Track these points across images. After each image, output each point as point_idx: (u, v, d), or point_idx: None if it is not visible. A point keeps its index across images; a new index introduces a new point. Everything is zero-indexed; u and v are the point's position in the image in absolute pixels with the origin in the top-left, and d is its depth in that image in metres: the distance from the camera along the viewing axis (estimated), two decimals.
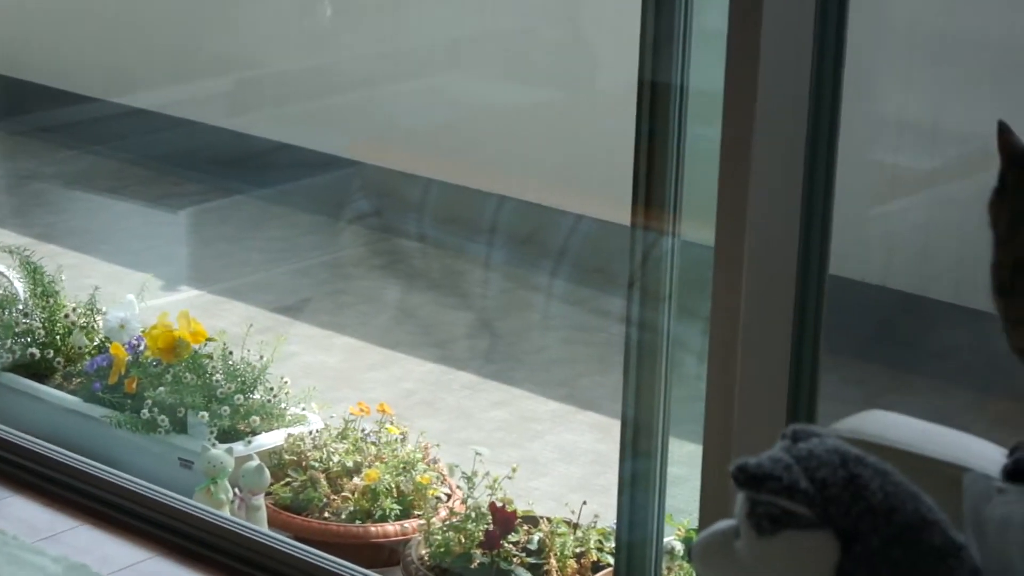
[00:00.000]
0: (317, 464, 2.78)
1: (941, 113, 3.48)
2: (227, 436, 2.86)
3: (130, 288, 3.22)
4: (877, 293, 3.52)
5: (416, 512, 2.70)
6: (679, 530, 2.52)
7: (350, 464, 2.77)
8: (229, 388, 2.87)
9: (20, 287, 3.18)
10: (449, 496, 2.76)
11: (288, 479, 2.79)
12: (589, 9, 4.01)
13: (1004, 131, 1.69)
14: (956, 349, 3.34)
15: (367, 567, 2.62)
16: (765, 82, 2.08)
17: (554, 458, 3.21)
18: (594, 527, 2.61)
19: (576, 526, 2.61)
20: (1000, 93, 3.40)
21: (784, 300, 2.20)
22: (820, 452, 1.25)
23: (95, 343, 3.13)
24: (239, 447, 2.82)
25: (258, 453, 2.83)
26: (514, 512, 2.57)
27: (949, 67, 3.46)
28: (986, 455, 1.49)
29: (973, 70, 3.44)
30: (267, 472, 2.77)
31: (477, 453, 2.68)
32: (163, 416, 2.88)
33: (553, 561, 2.55)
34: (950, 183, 3.48)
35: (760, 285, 2.15)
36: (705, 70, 2.55)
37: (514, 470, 2.68)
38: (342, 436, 2.84)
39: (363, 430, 2.85)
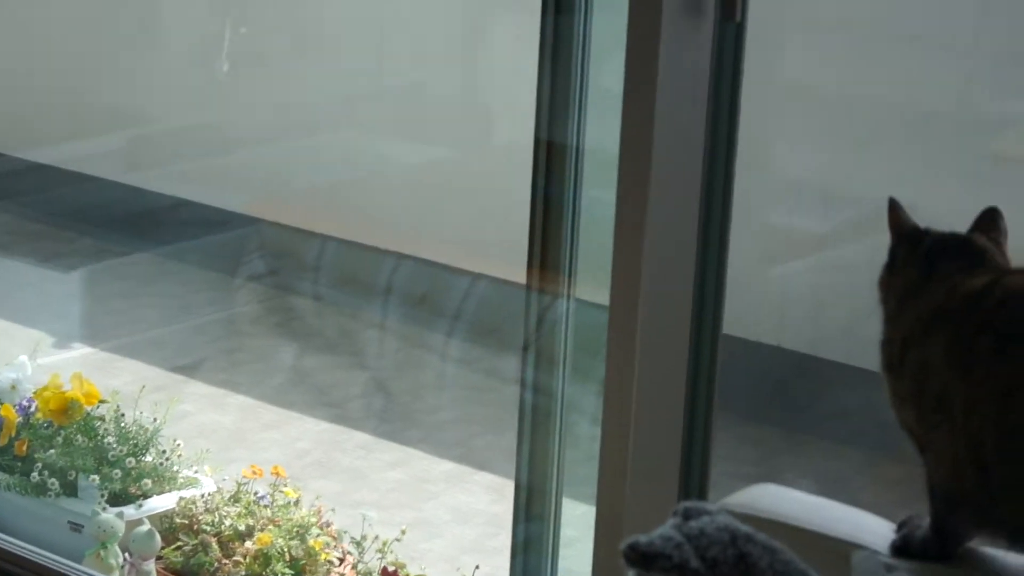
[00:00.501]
0: (209, 528, 2.74)
1: (833, 176, 3.51)
2: (118, 499, 2.82)
3: (22, 344, 3.17)
4: (771, 353, 3.54)
5: None
6: None
7: (242, 528, 2.73)
8: (121, 451, 2.83)
9: None
10: (341, 560, 2.73)
11: (179, 543, 2.75)
12: (486, 67, 4.02)
13: (894, 208, 1.70)
14: (849, 410, 3.36)
15: None
16: (660, 144, 2.08)
17: (448, 519, 3.19)
18: None
19: None
20: (891, 156, 3.44)
21: (678, 361, 2.20)
22: (711, 530, 1.25)
23: None
24: (130, 511, 2.78)
25: (149, 517, 2.79)
26: None
27: (842, 130, 3.50)
28: (875, 531, 1.49)
29: (865, 133, 3.48)
30: (158, 536, 2.73)
31: (364, 517, 2.67)
32: (53, 479, 2.84)
33: None
34: (842, 245, 3.51)
35: (654, 347, 2.15)
36: (601, 131, 2.55)
37: (403, 532, 2.66)
38: (234, 499, 2.81)
39: (256, 493, 2.82)
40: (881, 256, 2.30)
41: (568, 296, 2.55)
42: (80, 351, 3.82)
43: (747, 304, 3.41)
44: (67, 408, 2.88)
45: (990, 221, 1.79)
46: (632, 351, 2.12)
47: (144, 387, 2.95)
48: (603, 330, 2.17)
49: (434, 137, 4.09)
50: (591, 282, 2.58)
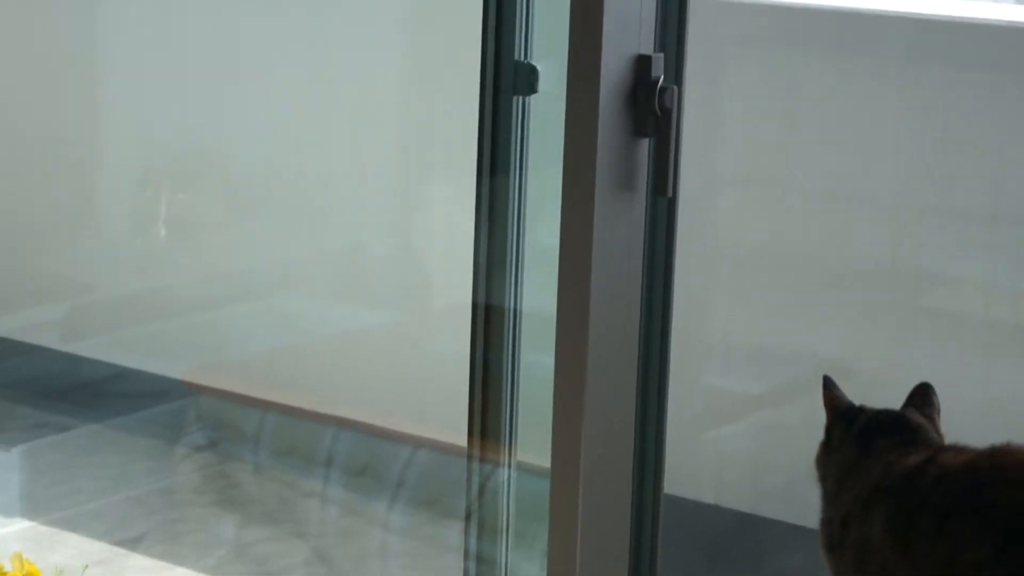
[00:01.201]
0: None
1: (768, 336, 3.57)
2: None
3: None
4: (710, 512, 3.56)
5: None
6: None
7: None
8: None
9: None
10: None
11: None
12: (424, 230, 4.08)
13: (828, 387, 1.75)
14: (790, 569, 3.38)
15: None
16: (596, 314, 2.12)
17: None
18: None
19: None
20: (825, 314, 3.50)
21: (620, 526, 2.23)
22: None
23: None
24: None
25: None
26: None
27: (775, 289, 3.56)
28: None
29: (799, 292, 3.54)
30: None
31: None
32: None
33: None
34: (778, 405, 3.56)
35: (597, 512, 2.18)
36: (539, 292, 2.60)
37: None
38: None
39: None
40: (816, 416, 2.34)
41: (509, 463, 2.58)
42: (18, 525, 3.80)
43: (685, 464, 3.44)
44: None
45: (923, 397, 1.84)
46: (575, 517, 2.15)
47: (87, 565, 2.95)
48: (546, 497, 2.19)
49: (373, 301, 4.13)
50: (532, 447, 2.60)
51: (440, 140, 3.93)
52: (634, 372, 2.21)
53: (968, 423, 2.29)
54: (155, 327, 4.39)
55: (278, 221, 4.23)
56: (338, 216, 4.15)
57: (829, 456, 1.74)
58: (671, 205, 2.20)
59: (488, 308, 2.68)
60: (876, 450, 1.71)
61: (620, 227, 2.08)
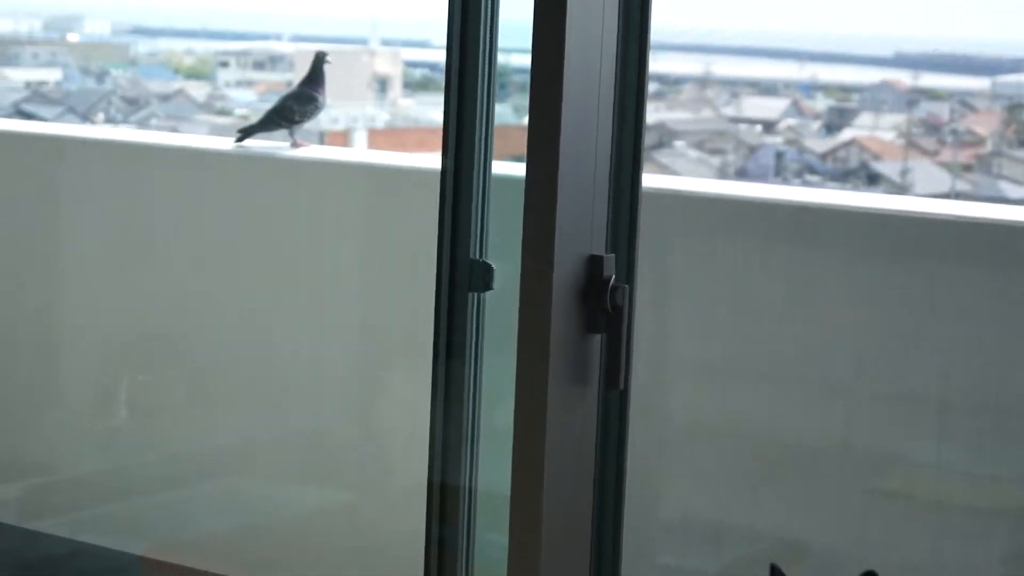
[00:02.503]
0: None
1: (722, 515, 3.63)
2: None
3: None
4: None
5: None
6: None
7: None
8: None
9: None
10: None
11: None
12: (382, 411, 4.14)
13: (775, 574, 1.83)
14: None
15: None
16: (551, 491, 2.21)
17: None
18: None
19: None
20: (778, 494, 3.57)
21: None
22: None
23: None
24: None
25: None
26: None
27: (729, 470, 3.63)
28: None
29: (756, 472, 3.61)
30: None
31: None
32: None
33: None
34: None
35: None
36: (495, 472, 2.68)
37: None
38: None
39: None
40: None
41: None
42: None
43: None
44: None
45: None
46: None
47: None
48: None
49: (333, 481, 4.18)
50: None
51: (400, 324, 4.01)
52: (587, 552, 2.28)
53: None
54: (114, 506, 4.42)
55: (238, 403, 4.28)
56: (298, 398, 4.21)
57: None
58: (623, 397, 2.30)
59: (444, 487, 2.76)
60: None
61: (573, 418, 2.19)
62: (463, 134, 2.60)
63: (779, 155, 13.14)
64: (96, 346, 4.50)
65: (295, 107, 4.20)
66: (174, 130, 10.83)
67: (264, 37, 11.40)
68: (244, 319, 4.27)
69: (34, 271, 4.62)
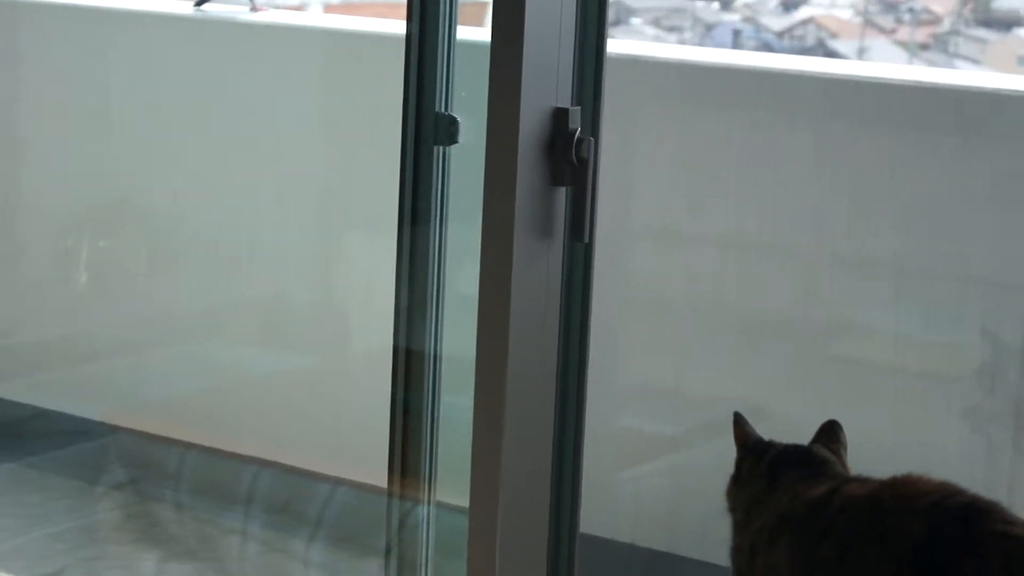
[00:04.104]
0: None
1: (683, 380, 3.65)
2: None
3: None
4: (626, 551, 3.63)
5: None
6: None
7: None
8: None
9: None
10: None
11: None
12: (345, 275, 4.13)
13: (739, 423, 1.84)
14: None
15: None
16: (515, 356, 2.20)
17: None
18: None
19: None
20: (739, 360, 3.58)
21: (537, 564, 2.29)
22: None
23: None
24: None
25: None
26: None
27: (689, 336, 3.64)
28: None
29: (713, 338, 3.62)
30: None
31: None
32: None
33: None
34: (693, 447, 3.63)
35: (514, 549, 2.25)
36: (458, 336, 2.67)
37: None
38: None
39: None
40: (729, 457, 2.43)
41: (428, 501, 2.64)
42: None
43: (602, 504, 3.51)
44: None
45: (830, 433, 1.93)
46: (492, 555, 2.22)
47: None
48: (463, 534, 2.26)
49: (295, 345, 4.18)
50: (451, 486, 2.68)
51: (362, 188, 4.00)
52: (551, 413, 2.28)
53: (875, 467, 2.39)
54: (75, 370, 4.41)
55: (200, 268, 4.27)
56: (260, 263, 4.20)
57: (739, 488, 1.84)
58: (588, 251, 2.29)
59: (409, 352, 2.75)
60: (783, 482, 1.80)
61: (538, 272, 2.17)
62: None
63: (736, 33, 13.07)
64: (57, 211, 4.48)
65: None
66: None
67: None
68: (206, 184, 4.25)
69: None
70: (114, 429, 4.30)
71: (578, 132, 2.14)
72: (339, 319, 4.11)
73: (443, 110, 2.55)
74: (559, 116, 2.14)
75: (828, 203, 3.50)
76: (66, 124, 4.44)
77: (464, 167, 2.56)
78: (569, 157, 2.14)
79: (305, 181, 4.11)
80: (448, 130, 2.55)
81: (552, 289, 2.20)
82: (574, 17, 2.17)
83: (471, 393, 2.25)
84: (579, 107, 2.15)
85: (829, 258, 3.53)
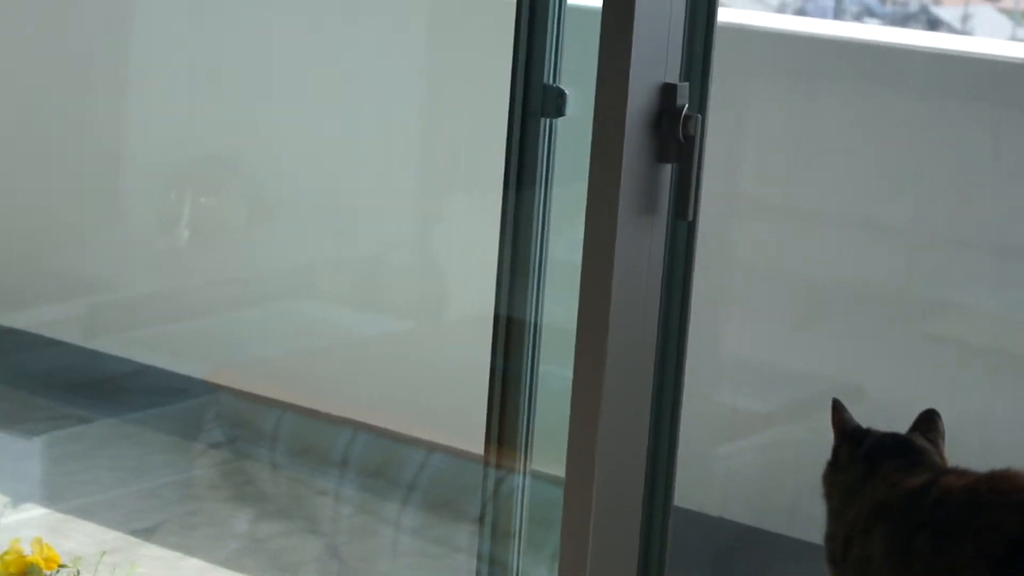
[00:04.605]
0: None
1: (777, 356, 3.65)
2: None
3: None
4: (716, 524, 3.64)
5: None
6: None
7: None
8: None
9: None
10: None
11: None
12: (444, 238, 4.15)
13: (837, 409, 1.84)
14: None
15: None
16: (615, 329, 2.21)
17: None
18: None
19: None
20: (834, 336, 3.58)
21: (630, 534, 2.31)
22: None
23: None
24: None
25: None
26: None
27: (785, 311, 3.64)
28: None
29: (809, 313, 3.62)
30: None
31: None
32: None
33: None
34: (787, 424, 3.64)
35: (608, 519, 2.27)
36: (559, 305, 2.69)
37: None
38: None
39: None
40: (822, 435, 2.44)
41: (524, 470, 2.66)
42: (36, 512, 3.88)
43: (694, 477, 3.52)
44: (27, 572, 2.96)
45: (928, 422, 1.93)
46: (586, 525, 2.24)
47: (104, 552, 3.03)
48: (557, 503, 2.28)
49: (394, 309, 4.21)
50: (547, 455, 2.70)
51: (466, 155, 4.01)
52: (649, 386, 2.29)
53: (972, 449, 2.39)
54: (176, 327, 4.46)
55: (301, 227, 4.30)
56: (362, 223, 4.23)
57: (835, 475, 1.84)
58: (691, 228, 2.30)
59: (509, 319, 2.77)
60: (881, 471, 1.80)
61: (641, 248, 2.18)
62: None
63: None
64: (159, 167, 4.52)
65: None
66: None
67: None
68: (308, 143, 4.28)
69: (98, 92, 4.63)
70: (213, 387, 4.35)
71: (685, 109, 2.14)
72: (439, 283, 4.13)
73: (551, 82, 2.56)
74: (667, 92, 2.14)
75: (932, 180, 3.49)
76: (173, 79, 4.49)
77: (571, 138, 2.57)
78: (676, 134, 2.14)
79: (408, 144, 4.14)
80: (556, 103, 2.56)
81: (654, 266, 2.21)
82: None
83: (570, 363, 2.26)
84: (687, 83, 2.15)
85: (930, 236, 3.52)
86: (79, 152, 4.66)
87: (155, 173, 4.53)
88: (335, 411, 4.12)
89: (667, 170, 2.17)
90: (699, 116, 2.14)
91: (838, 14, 12.37)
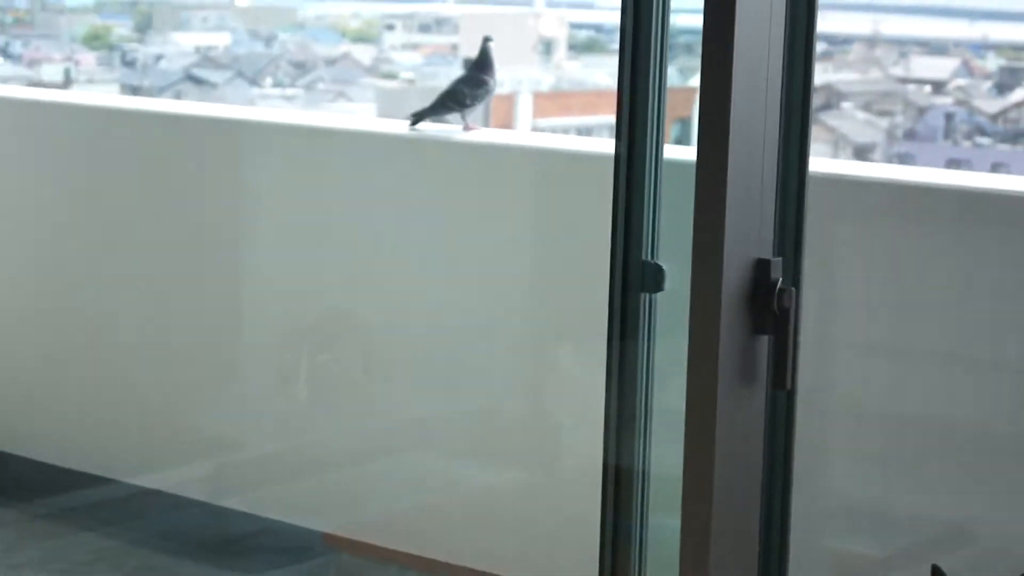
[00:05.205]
0: None
1: (890, 498, 3.69)
2: None
3: None
4: None
5: None
6: None
7: None
8: None
9: None
10: None
11: None
12: (554, 391, 4.25)
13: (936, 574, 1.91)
14: None
15: None
16: (720, 490, 2.31)
17: None
18: None
19: None
20: (945, 477, 3.63)
21: None
22: None
23: None
24: None
25: None
26: None
27: (895, 451, 3.69)
28: None
29: (921, 454, 3.67)
30: None
31: None
32: None
33: None
34: (898, 569, 3.68)
35: None
36: (666, 453, 2.79)
37: None
38: None
39: None
40: None
41: None
42: None
43: None
44: None
45: None
46: None
47: None
48: None
49: (504, 460, 4.31)
50: None
51: (568, 316, 4.12)
52: (755, 529, 2.38)
53: None
54: (297, 483, 4.58)
55: (413, 382, 4.43)
56: (472, 379, 4.36)
57: None
58: (790, 395, 2.40)
59: (618, 468, 2.87)
60: None
61: (741, 416, 2.29)
62: (635, 120, 2.70)
63: (948, 116, 12.97)
64: (276, 326, 4.67)
65: (466, 91, 4.34)
66: (340, 94, 11.02)
67: (430, 0, 11.52)
68: (418, 300, 4.40)
69: (216, 253, 4.80)
70: (334, 542, 4.46)
71: (780, 282, 2.26)
72: (551, 434, 4.23)
73: (649, 258, 2.68)
74: (761, 267, 2.25)
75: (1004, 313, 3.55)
76: (285, 240, 4.65)
77: (671, 307, 2.68)
78: (771, 307, 2.25)
79: (513, 300, 4.26)
80: (655, 279, 2.68)
81: (755, 433, 2.31)
82: (775, 170, 2.29)
83: (678, 512, 2.35)
84: (780, 258, 2.27)
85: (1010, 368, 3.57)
86: (200, 312, 4.82)
87: (272, 331, 4.67)
88: (452, 560, 4.21)
89: (764, 341, 2.28)
90: (793, 289, 2.25)
91: (949, 133, 12.40)
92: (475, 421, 4.31)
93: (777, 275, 2.26)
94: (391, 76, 11.19)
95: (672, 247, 2.68)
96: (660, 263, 2.69)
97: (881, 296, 3.70)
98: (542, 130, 9.29)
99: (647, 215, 2.66)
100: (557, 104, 10.71)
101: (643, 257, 2.68)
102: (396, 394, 4.44)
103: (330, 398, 4.61)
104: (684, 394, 2.31)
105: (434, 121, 4.43)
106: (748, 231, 2.25)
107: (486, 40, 4.45)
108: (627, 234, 2.66)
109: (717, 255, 2.22)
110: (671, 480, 2.39)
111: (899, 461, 3.69)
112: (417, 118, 4.40)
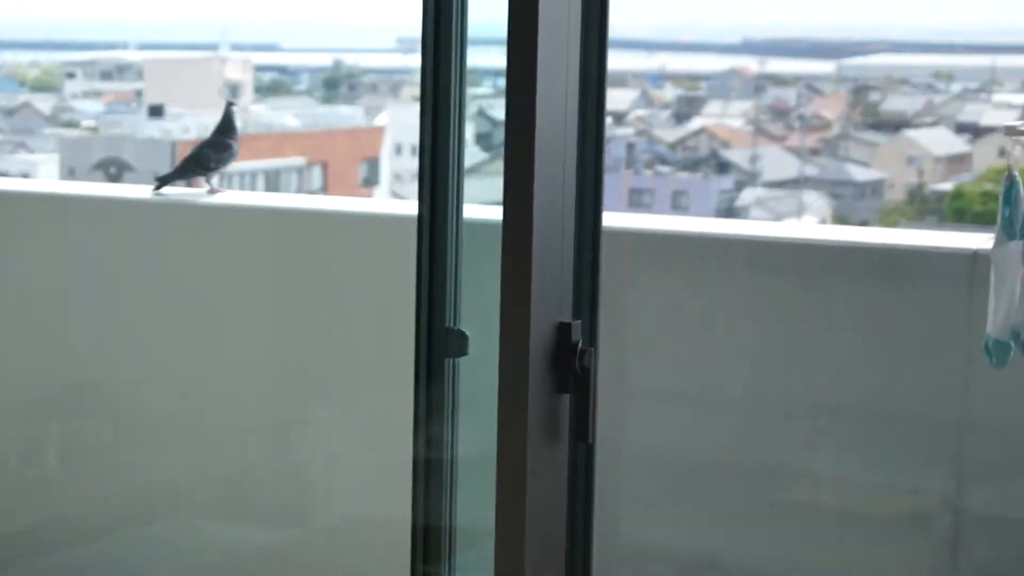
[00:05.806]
0: None
1: (642, 531, 3.89)
2: None
3: None
4: None
5: None
6: None
7: None
8: None
9: None
10: None
11: None
12: (304, 447, 4.33)
13: None
14: None
15: None
16: (530, 544, 2.46)
17: None
18: None
19: None
20: (690, 509, 3.83)
21: None
22: None
23: None
24: None
25: None
26: None
27: (648, 483, 3.88)
28: None
29: (663, 487, 3.86)
30: None
31: None
32: None
33: None
34: None
35: None
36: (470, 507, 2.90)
37: None
38: None
39: None
40: None
41: None
42: None
43: None
44: None
45: None
46: None
47: None
48: None
49: (259, 518, 4.36)
50: None
51: (317, 377, 4.22)
52: None
53: None
54: (53, 557, 4.53)
55: (165, 447, 4.43)
56: (222, 438, 4.40)
57: None
58: (589, 451, 2.58)
59: (427, 528, 2.99)
60: None
61: (546, 469, 2.46)
62: (436, 185, 2.82)
63: (630, 147, 13.39)
64: (19, 397, 4.64)
65: (211, 155, 4.44)
66: (21, 145, 10.90)
67: (111, 46, 11.50)
68: (168, 363, 4.44)
69: None
70: None
71: (580, 344, 2.43)
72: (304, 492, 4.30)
73: (453, 325, 2.83)
74: (563, 330, 2.43)
75: (767, 352, 3.78)
76: (27, 310, 4.61)
77: (473, 371, 2.81)
78: (572, 367, 2.43)
79: (261, 356, 4.34)
80: (458, 344, 2.83)
81: (559, 484, 2.48)
82: (572, 235, 2.46)
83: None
84: (579, 321, 2.44)
85: (769, 404, 3.80)
86: None
87: (14, 403, 4.64)
88: None
89: (566, 399, 2.45)
90: (592, 350, 2.43)
91: (631, 163, 12.83)
92: (225, 482, 4.36)
93: (577, 337, 2.43)
94: (73, 125, 11.14)
95: (475, 313, 2.81)
96: (464, 329, 2.83)
97: (625, 334, 3.87)
98: (231, 174, 9.32)
99: (450, 281, 2.79)
100: (245, 147, 10.73)
101: (447, 324, 2.82)
102: (148, 460, 4.46)
103: (78, 467, 4.60)
104: (489, 452, 2.46)
105: (175, 186, 4.49)
106: (550, 296, 2.42)
107: (229, 105, 4.56)
108: (431, 301, 2.79)
109: (524, 320, 2.38)
110: (480, 533, 2.52)
111: (648, 497, 3.87)
112: (161, 182, 4.46)
